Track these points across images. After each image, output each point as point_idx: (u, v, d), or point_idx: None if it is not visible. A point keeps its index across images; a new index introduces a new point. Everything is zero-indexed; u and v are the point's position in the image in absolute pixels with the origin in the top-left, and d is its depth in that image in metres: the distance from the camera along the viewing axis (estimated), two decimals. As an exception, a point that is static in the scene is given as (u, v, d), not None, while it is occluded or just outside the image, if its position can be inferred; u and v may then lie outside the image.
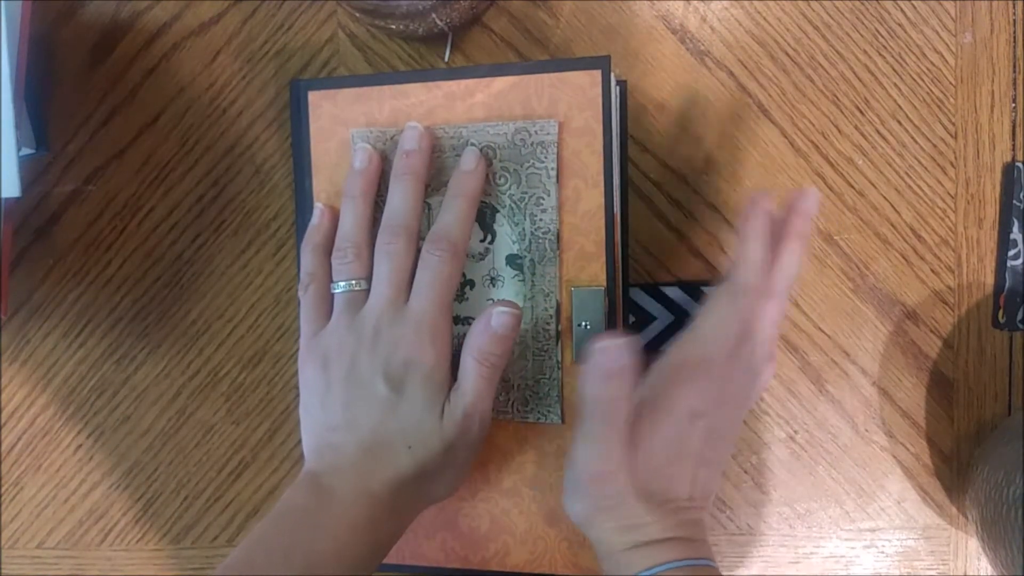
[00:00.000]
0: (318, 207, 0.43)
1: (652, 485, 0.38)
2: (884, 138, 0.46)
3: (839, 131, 0.46)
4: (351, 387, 0.40)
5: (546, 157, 0.42)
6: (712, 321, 0.39)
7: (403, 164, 0.41)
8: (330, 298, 0.42)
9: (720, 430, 0.39)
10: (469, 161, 0.41)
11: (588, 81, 0.42)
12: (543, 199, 0.42)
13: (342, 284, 0.41)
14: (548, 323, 0.42)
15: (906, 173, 0.46)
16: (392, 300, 0.40)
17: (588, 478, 0.38)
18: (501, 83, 0.42)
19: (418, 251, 0.41)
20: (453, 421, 0.40)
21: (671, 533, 0.37)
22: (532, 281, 0.42)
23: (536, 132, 0.42)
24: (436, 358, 0.40)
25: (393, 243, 0.40)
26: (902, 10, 0.45)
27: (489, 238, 0.43)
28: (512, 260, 0.43)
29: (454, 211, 0.41)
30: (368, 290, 0.41)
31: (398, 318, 0.40)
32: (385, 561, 0.42)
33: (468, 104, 0.42)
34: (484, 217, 0.43)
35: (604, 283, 0.42)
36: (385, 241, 0.41)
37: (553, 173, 0.42)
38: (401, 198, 0.41)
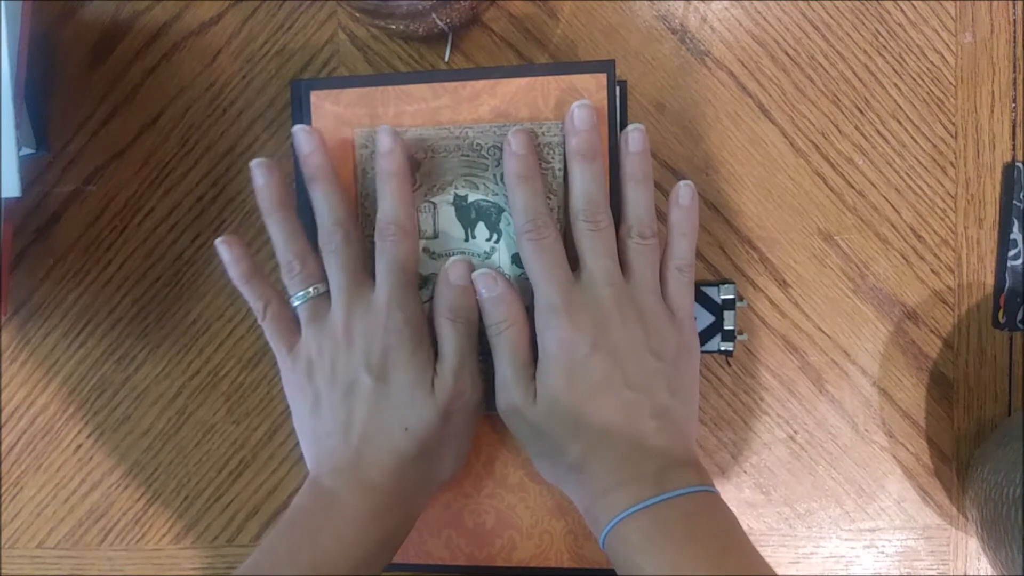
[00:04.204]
0: (218, 243, 0.43)
1: (577, 419, 0.39)
2: (884, 138, 0.46)
3: (839, 131, 0.46)
4: (338, 389, 0.40)
5: (553, 158, 0.42)
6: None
7: (308, 169, 0.42)
8: (290, 315, 0.43)
9: (620, 353, 0.39)
10: (384, 143, 0.41)
11: (594, 84, 0.42)
12: (549, 199, 0.42)
13: (300, 294, 0.42)
14: (548, 323, 0.42)
15: (906, 173, 0.46)
16: (353, 293, 0.41)
17: (502, 413, 0.41)
18: (507, 85, 0.42)
19: (370, 240, 0.42)
20: (445, 388, 0.40)
21: (616, 474, 0.38)
22: None
23: (543, 134, 0.42)
24: (413, 337, 0.40)
25: (332, 241, 0.41)
26: (902, 10, 0.45)
27: (495, 237, 0.43)
28: (517, 259, 0.43)
29: (388, 194, 0.41)
30: (328, 293, 0.42)
31: (366, 310, 0.40)
32: (388, 560, 0.42)
33: (474, 105, 0.43)
34: (490, 216, 0.43)
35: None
36: (325, 243, 0.41)
37: (560, 174, 0.42)
38: (322, 199, 0.42)
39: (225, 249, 0.42)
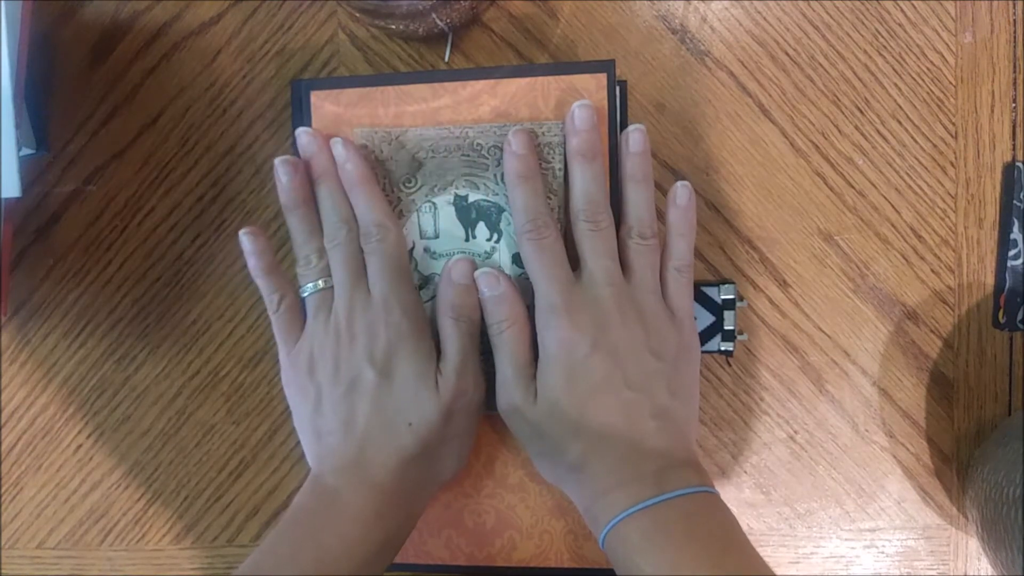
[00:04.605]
0: (243, 234, 0.43)
1: (577, 420, 0.39)
2: (884, 138, 0.46)
3: (839, 131, 0.46)
4: (340, 386, 0.41)
5: (553, 158, 0.42)
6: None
7: (315, 169, 0.42)
8: (301, 310, 0.43)
9: (620, 353, 0.39)
10: (339, 154, 0.42)
11: (594, 84, 0.42)
12: (550, 199, 0.42)
13: (310, 286, 0.42)
14: (549, 323, 0.42)
15: (906, 173, 0.46)
16: (354, 287, 0.41)
17: (503, 413, 0.41)
18: (508, 85, 0.42)
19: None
20: (448, 386, 0.40)
21: (616, 474, 0.38)
22: None
23: (543, 134, 0.42)
24: (413, 330, 0.41)
25: (337, 237, 0.42)
26: (902, 10, 0.45)
27: (495, 237, 0.43)
28: (518, 259, 0.43)
29: (361, 199, 0.42)
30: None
31: (367, 306, 0.41)
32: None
33: (474, 106, 0.43)
34: (491, 216, 0.43)
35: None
36: (329, 239, 0.42)
37: (560, 174, 0.42)
38: (328, 197, 0.42)
39: (250, 240, 0.43)
